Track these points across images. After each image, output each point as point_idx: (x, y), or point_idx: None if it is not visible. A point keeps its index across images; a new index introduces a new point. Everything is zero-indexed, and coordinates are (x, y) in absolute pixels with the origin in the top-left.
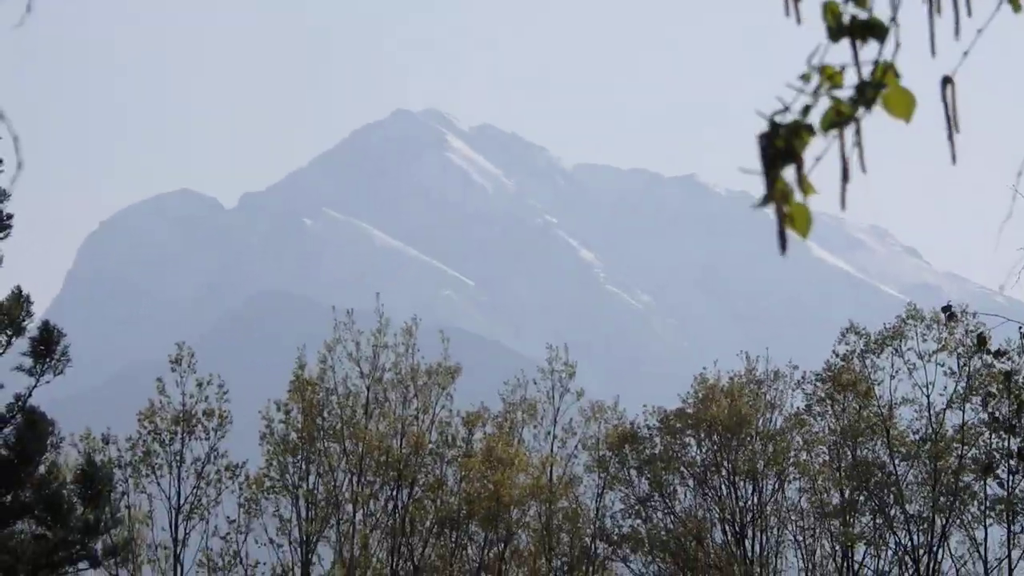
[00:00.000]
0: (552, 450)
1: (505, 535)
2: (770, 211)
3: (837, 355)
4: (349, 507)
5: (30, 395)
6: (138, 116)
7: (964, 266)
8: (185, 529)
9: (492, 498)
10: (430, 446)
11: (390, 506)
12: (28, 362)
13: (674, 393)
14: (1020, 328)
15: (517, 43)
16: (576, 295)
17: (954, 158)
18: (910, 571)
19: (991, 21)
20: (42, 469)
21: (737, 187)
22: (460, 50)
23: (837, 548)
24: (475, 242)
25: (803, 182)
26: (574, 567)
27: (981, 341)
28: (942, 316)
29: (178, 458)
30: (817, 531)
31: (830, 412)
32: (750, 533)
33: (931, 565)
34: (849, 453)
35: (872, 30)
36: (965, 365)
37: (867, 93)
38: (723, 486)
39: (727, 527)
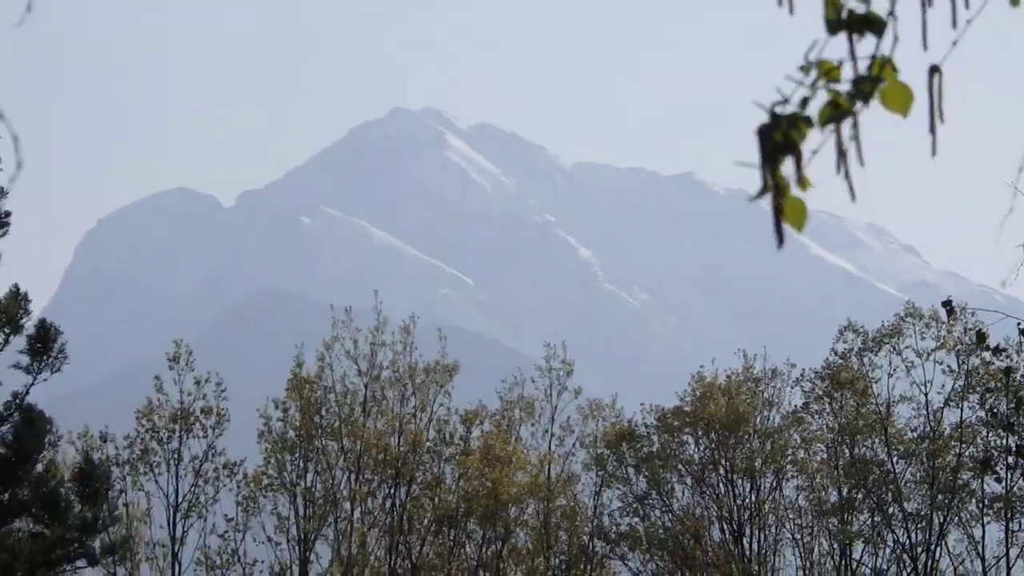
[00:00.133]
0: (550, 448)
1: (503, 533)
2: (767, 205)
3: (835, 353)
4: (347, 505)
5: (28, 393)
6: (137, 114)
7: (963, 264)
8: (183, 527)
9: (490, 496)
10: (428, 444)
11: (388, 504)
12: (26, 360)
13: (674, 393)
14: (1019, 324)
15: (516, 43)
16: (575, 294)
17: (934, 151)
18: (908, 569)
19: (991, 21)
20: (40, 467)
21: (736, 186)
22: (459, 49)
23: (835, 546)
24: (474, 241)
25: (801, 176)
26: (572, 565)
27: (980, 337)
28: (941, 312)
29: (176, 456)
30: (815, 529)
31: (828, 410)
32: (748, 531)
33: (929, 563)
34: (847, 451)
35: (870, 24)
36: (963, 362)
37: (864, 87)
38: (721, 484)
39: (725, 525)
